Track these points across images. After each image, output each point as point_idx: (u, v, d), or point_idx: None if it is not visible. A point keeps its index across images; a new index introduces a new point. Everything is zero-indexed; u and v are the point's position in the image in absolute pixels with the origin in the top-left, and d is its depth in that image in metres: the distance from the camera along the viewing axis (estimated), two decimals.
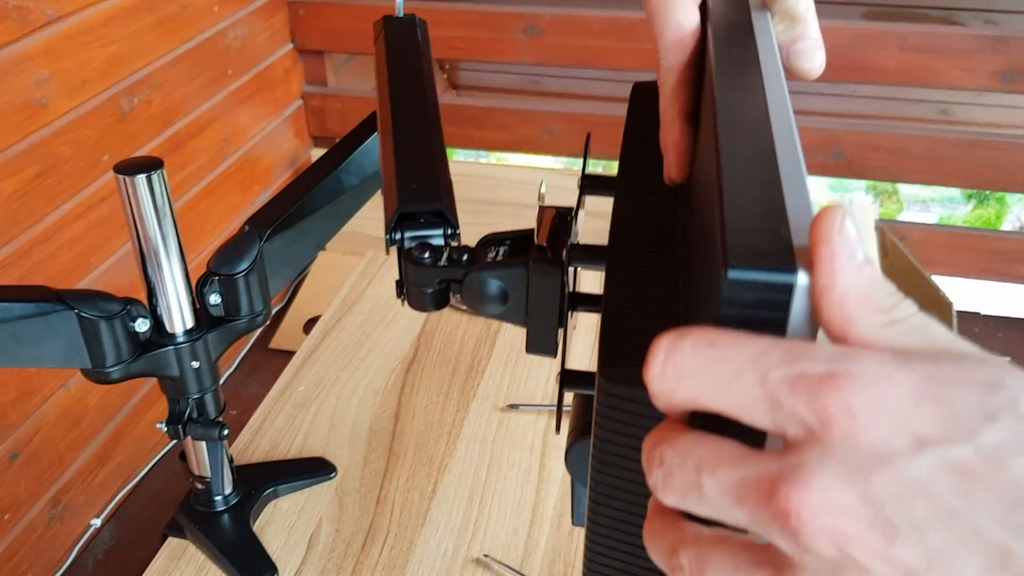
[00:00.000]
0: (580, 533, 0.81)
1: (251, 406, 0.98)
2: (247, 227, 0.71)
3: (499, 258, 0.52)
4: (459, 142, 2.38)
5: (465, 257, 0.53)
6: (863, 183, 2.67)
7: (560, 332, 0.51)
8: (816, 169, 2.18)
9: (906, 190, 2.68)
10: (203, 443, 0.77)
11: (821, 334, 0.28)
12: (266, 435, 0.93)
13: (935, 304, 1.83)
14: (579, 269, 0.51)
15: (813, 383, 0.25)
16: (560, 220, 0.51)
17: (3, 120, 1.43)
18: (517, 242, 0.54)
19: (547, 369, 1.01)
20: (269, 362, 2.11)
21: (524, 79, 3.07)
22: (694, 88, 0.44)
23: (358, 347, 1.05)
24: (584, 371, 0.45)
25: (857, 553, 0.25)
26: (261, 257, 0.70)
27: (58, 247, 1.57)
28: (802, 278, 0.26)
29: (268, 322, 0.73)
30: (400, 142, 0.61)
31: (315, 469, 0.88)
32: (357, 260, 1.21)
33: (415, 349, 1.04)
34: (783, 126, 0.32)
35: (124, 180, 0.64)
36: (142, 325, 0.68)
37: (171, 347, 0.69)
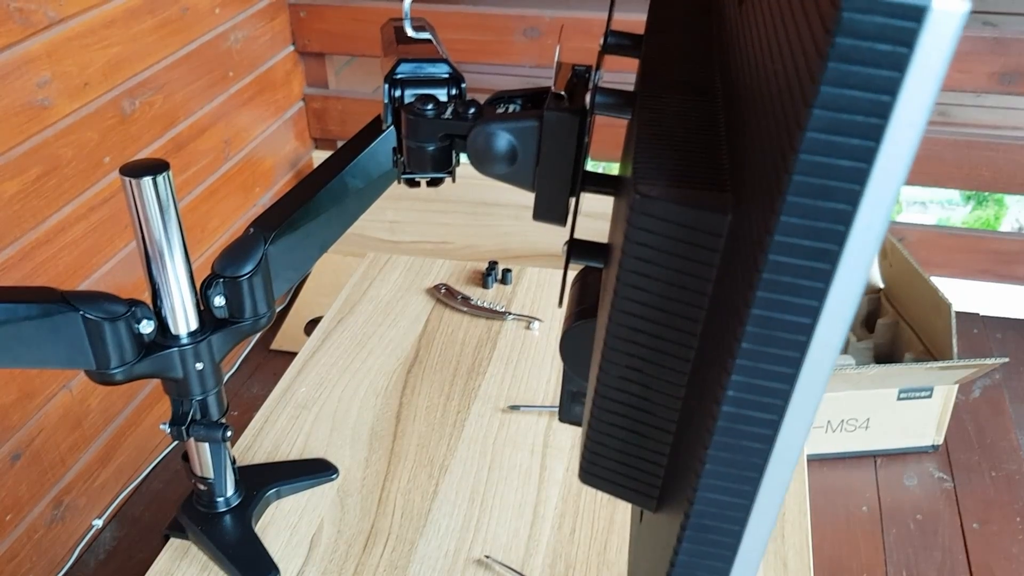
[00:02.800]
0: (581, 533, 0.81)
1: (253, 407, 0.98)
2: (252, 229, 0.71)
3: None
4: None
5: (472, 111, 0.49)
6: None
7: (571, 200, 0.46)
8: None
9: (905, 191, 2.68)
10: (206, 444, 0.77)
11: None
12: (268, 436, 0.93)
13: (934, 305, 1.84)
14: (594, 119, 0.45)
15: None
16: (578, 78, 0.47)
17: (5, 122, 1.43)
18: (530, 99, 0.50)
19: (548, 371, 1.02)
20: (270, 363, 2.11)
21: (524, 81, 3.07)
22: None
23: (359, 348, 1.05)
24: (594, 241, 0.41)
25: None
26: (266, 259, 0.70)
27: (60, 248, 1.57)
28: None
29: (272, 324, 0.74)
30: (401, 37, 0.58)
31: (317, 470, 0.88)
32: (358, 261, 1.22)
33: (416, 350, 1.05)
34: None
35: (130, 182, 0.64)
36: (147, 327, 0.68)
37: (175, 349, 0.69)
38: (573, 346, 0.44)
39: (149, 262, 0.68)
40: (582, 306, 0.43)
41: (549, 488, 0.87)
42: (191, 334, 0.70)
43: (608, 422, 0.36)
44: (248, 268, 0.69)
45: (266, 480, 0.85)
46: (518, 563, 0.79)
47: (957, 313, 1.79)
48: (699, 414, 0.29)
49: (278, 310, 2.21)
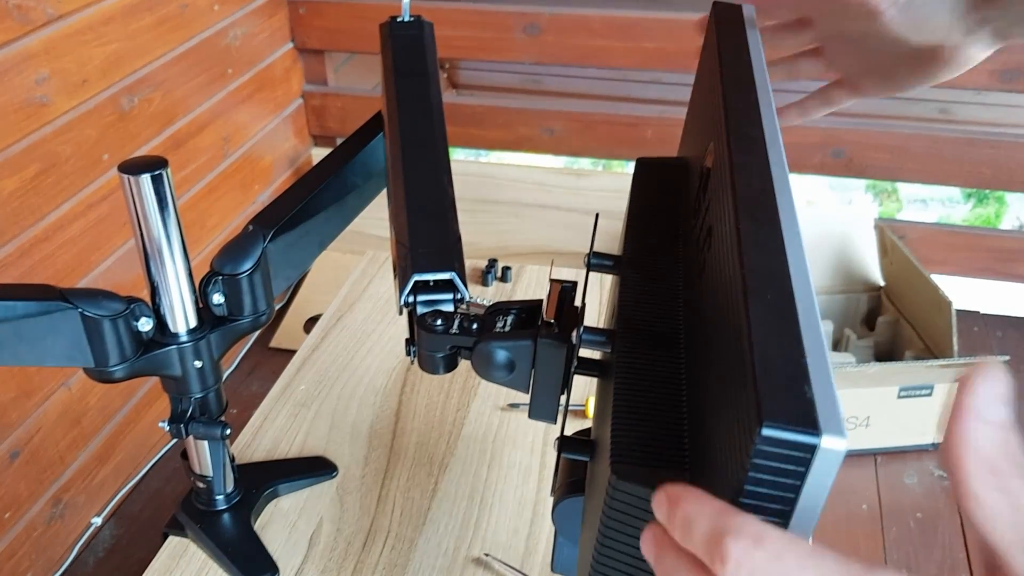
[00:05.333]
0: None
1: (252, 405, 0.98)
2: (251, 227, 0.70)
3: (507, 328, 0.56)
4: (459, 141, 2.38)
5: (475, 326, 0.57)
6: (863, 182, 2.67)
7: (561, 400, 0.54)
8: (816, 168, 2.18)
9: (905, 189, 2.68)
10: (205, 442, 0.77)
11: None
12: (267, 434, 0.93)
13: (934, 303, 1.84)
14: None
15: (735, 556, 0.29)
16: (566, 293, 0.56)
17: (3, 119, 1.43)
18: (524, 312, 0.58)
19: None
20: (270, 361, 2.11)
21: (524, 78, 3.07)
22: None
23: (359, 346, 1.05)
24: (581, 439, 0.49)
25: None
26: (265, 257, 0.70)
27: (59, 246, 1.57)
28: (825, 440, 0.28)
29: (271, 321, 0.73)
30: (411, 191, 0.63)
31: (316, 468, 0.88)
32: (357, 259, 1.21)
33: None
34: (799, 270, 0.34)
35: (129, 179, 0.64)
36: (145, 324, 0.67)
37: (174, 346, 0.69)
38: (566, 514, 0.51)
39: (148, 260, 0.67)
40: (574, 477, 0.51)
41: (549, 486, 0.86)
42: (190, 332, 0.70)
43: None
44: (247, 266, 0.69)
45: (265, 478, 0.85)
46: (518, 561, 0.79)
47: (957, 311, 1.79)
48: None
49: (277, 308, 2.21)
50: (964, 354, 1.85)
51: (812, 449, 0.28)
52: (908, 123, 2.14)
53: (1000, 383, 0.30)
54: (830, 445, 0.28)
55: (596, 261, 0.55)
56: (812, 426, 0.28)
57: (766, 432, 0.28)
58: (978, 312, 2.27)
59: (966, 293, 2.24)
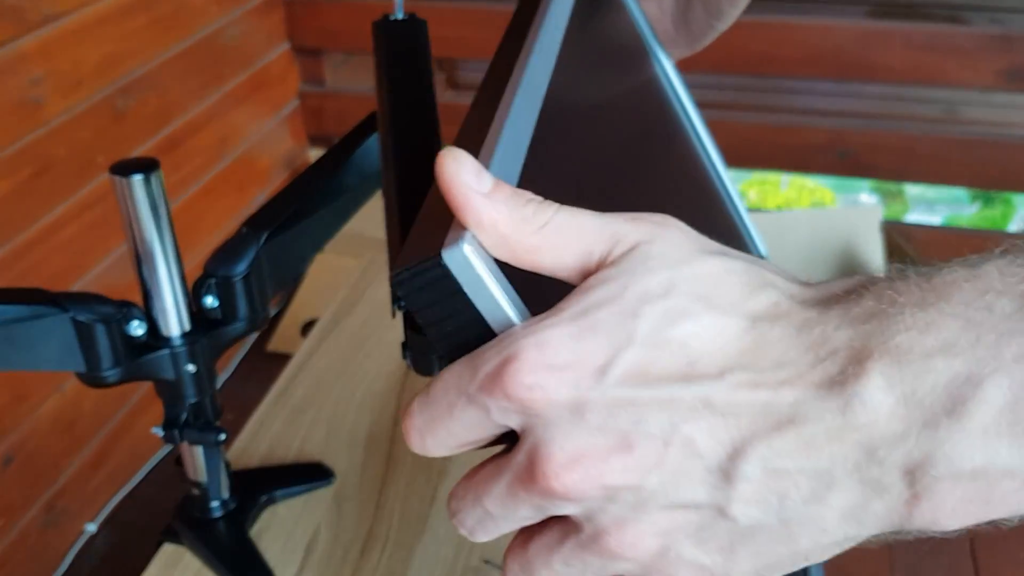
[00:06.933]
0: None
1: (248, 410, 0.97)
2: (245, 229, 0.69)
3: None
4: None
5: None
6: (868, 183, 2.66)
7: None
8: (821, 168, 2.17)
9: (911, 190, 2.67)
10: (200, 448, 0.76)
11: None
12: (263, 440, 0.92)
13: None
14: None
15: (495, 380, 0.29)
16: None
17: None
18: None
19: None
20: (266, 365, 2.10)
21: None
22: None
23: (357, 350, 1.04)
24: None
25: (615, 479, 0.28)
26: (259, 259, 0.69)
27: (52, 249, 1.55)
28: (449, 253, 0.29)
29: (266, 325, 0.72)
30: (403, 192, 0.61)
31: (313, 474, 0.87)
32: (354, 262, 1.20)
33: None
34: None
35: (120, 181, 0.63)
36: (138, 328, 0.67)
37: (167, 351, 0.68)
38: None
39: (140, 263, 0.67)
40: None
41: None
42: (183, 336, 0.69)
43: None
44: (241, 268, 0.68)
45: (261, 485, 0.84)
46: None
47: None
48: None
49: (274, 311, 2.20)
50: None
51: (437, 265, 0.29)
52: (914, 123, 2.14)
53: (467, 156, 0.31)
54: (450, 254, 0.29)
55: None
56: (431, 249, 0.29)
57: (396, 277, 0.30)
58: None
59: None
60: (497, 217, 0.30)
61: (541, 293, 0.32)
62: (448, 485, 0.86)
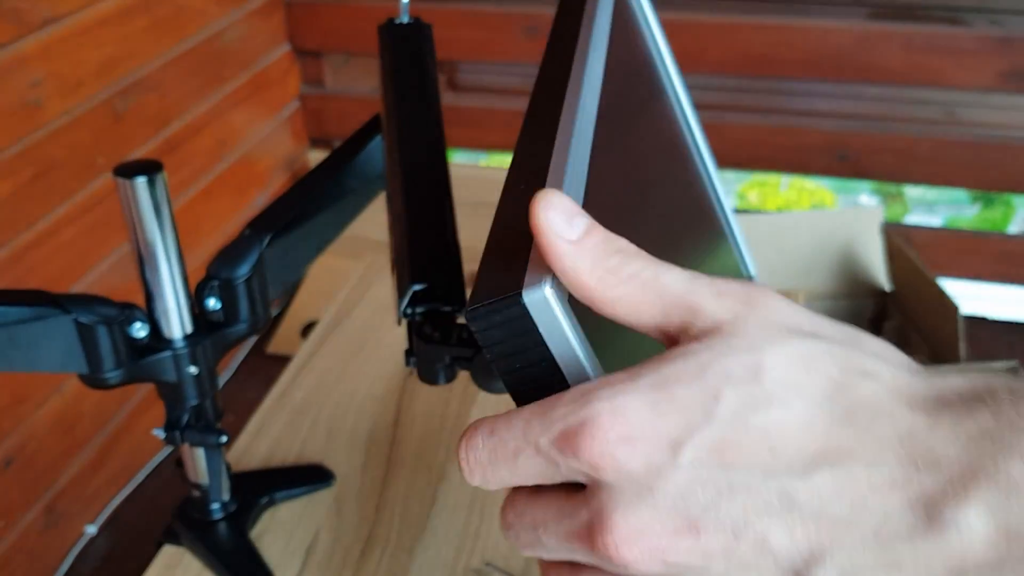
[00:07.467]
0: None
1: (248, 411, 0.97)
2: (248, 231, 0.69)
3: None
4: (459, 143, 2.36)
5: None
6: (868, 184, 2.66)
7: None
8: (821, 171, 2.17)
9: (912, 192, 2.67)
10: (200, 449, 0.76)
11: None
12: (263, 442, 0.92)
13: (941, 309, 1.82)
14: None
15: (568, 440, 0.28)
16: None
17: None
18: None
19: None
20: (266, 367, 2.09)
21: (524, 80, 3.06)
22: None
23: (357, 352, 1.04)
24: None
25: (678, 558, 0.28)
26: (262, 262, 0.69)
27: (52, 251, 1.55)
28: (530, 294, 0.29)
29: (267, 327, 0.72)
30: (409, 197, 0.62)
31: (313, 476, 0.87)
32: (355, 264, 1.20)
33: None
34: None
35: (124, 183, 0.63)
36: (140, 330, 0.67)
37: (169, 353, 0.68)
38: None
39: (142, 264, 0.67)
40: None
41: None
42: (185, 338, 0.69)
43: None
44: (244, 270, 0.68)
45: (262, 487, 0.84)
46: (519, 571, 0.78)
47: (965, 316, 1.77)
48: None
49: (274, 313, 2.20)
50: (971, 360, 1.83)
51: (518, 305, 0.29)
52: (914, 125, 2.14)
53: (563, 198, 0.30)
54: (531, 295, 0.29)
55: None
56: (511, 288, 0.29)
57: (469, 315, 0.30)
58: (986, 318, 2.25)
59: (973, 298, 2.22)
60: (581, 267, 0.30)
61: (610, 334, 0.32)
62: (448, 488, 0.86)
